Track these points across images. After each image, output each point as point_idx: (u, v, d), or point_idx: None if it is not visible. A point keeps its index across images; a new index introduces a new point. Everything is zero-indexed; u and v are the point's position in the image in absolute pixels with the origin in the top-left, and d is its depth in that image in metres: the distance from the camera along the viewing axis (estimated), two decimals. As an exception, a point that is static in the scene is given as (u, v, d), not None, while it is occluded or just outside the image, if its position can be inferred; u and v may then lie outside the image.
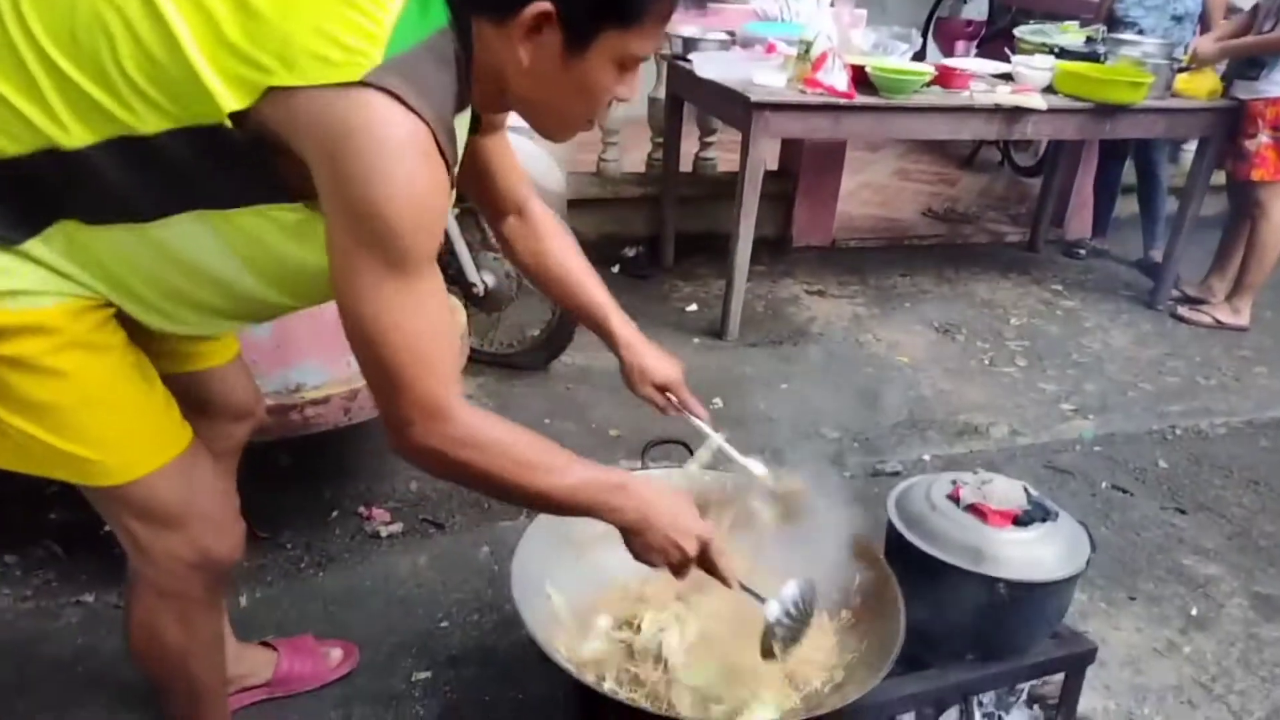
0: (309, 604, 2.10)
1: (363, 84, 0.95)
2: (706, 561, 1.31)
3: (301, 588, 2.17)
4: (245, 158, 1.02)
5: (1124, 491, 2.81)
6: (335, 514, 2.43)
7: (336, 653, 1.91)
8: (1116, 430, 3.23)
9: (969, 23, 6.84)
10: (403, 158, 0.97)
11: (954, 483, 1.73)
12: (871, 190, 5.76)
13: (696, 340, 3.63)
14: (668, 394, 1.62)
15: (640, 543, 1.26)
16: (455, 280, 2.97)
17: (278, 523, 2.34)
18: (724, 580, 1.34)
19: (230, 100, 0.98)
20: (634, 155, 4.67)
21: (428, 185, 1.00)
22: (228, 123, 0.99)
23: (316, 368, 2.12)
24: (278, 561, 2.24)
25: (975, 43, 6.54)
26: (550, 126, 1.20)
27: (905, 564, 1.63)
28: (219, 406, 1.54)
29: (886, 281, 4.37)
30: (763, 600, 1.37)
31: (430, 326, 1.07)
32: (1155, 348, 3.89)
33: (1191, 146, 5.40)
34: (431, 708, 1.85)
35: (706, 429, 1.65)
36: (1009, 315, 4.09)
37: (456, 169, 1.09)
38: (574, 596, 1.63)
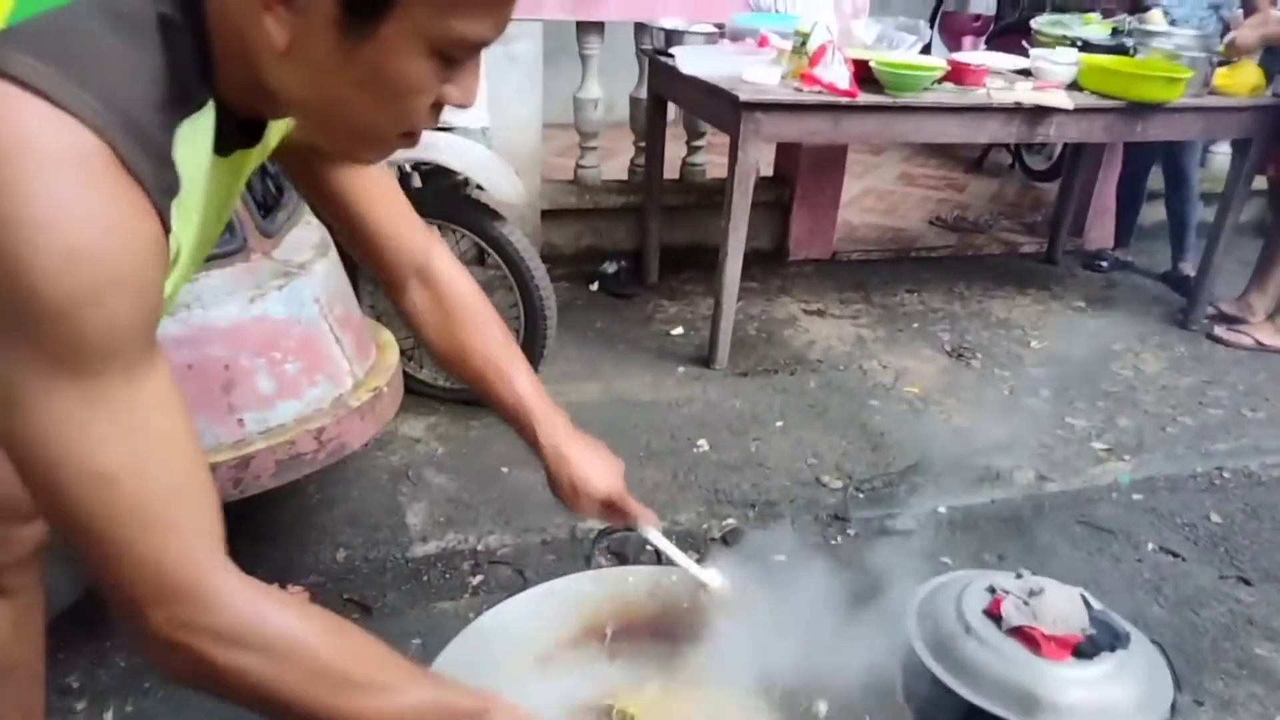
0: (192, 715, 1.71)
1: None
2: None
3: (187, 694, 1.77)
4: None
5: (1174, 555, 2.41)
6: (243, 592, 2.03)
7: None
8: (1156, 473, 2.84)
9: (976, 17, 6.45)
10: (48, 185, 0.59)
11: (992, 590, 1.34)
12: (874, 197, 5.37)
13: (681, 369, 3.24)
14: (612, 507, 1.29)
15: None
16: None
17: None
18: None
19: None
20: (615, 161, 4.28)
21: (103, 228, 0.61)
22: None
23: (200, 428, 1.72)
24: (161, 660, 1.84)
25: (983, 38, 6.15)
26: (344, 142, 0.81)
27: (931, 705, 1.24)
28: None
29: (892, 299, 3.98)
30: None
31: (154, 458, 0.68)
32: (1192, 374, 3.49)
33: (1222, 148, 5.04)
34: None
35: (660, 541, 1.32)
36: (1029, 337, 3.70)
37: (192, 204, 0.73)
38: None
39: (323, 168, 1.02)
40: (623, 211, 4.03)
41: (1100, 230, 4.74)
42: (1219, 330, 3.79)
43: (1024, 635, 1.25)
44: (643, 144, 3.95)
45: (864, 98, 2.95)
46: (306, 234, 2.03)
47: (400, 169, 2.68)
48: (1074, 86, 3.36)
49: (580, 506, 1.26)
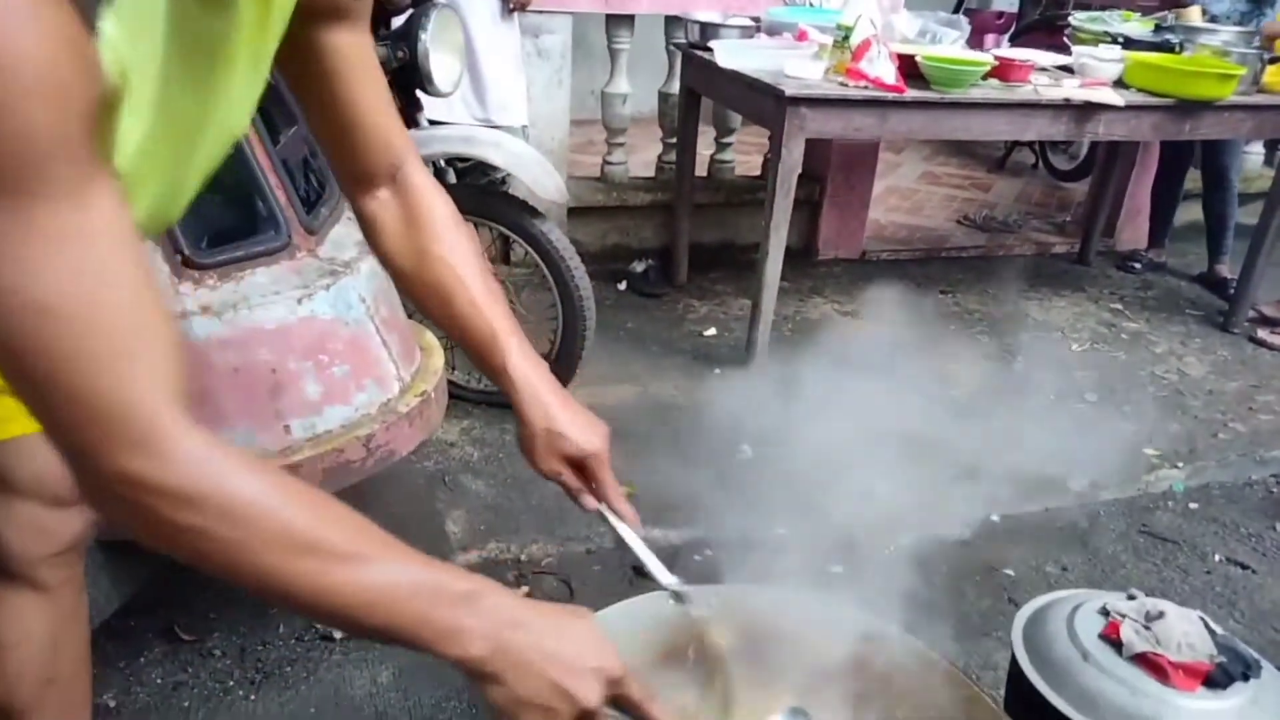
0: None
1: None
2: (620, 700, 0.81)
3: (224, 715, 1.68)
4: None
5: (1244, 567, 2.33)
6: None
7: None
8: (1211, 480, 2.76)
9: (999, 14, 6.35)
10: None
11: (1107, 613, 1.26)
12: (898, 196, 5.28)
13: (717, 370, 3.15)
14: (584, 471, 1.07)
15: (505, 694, 0.76)
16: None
17: (207, 622, 1.86)
18: None
19: None
20: (642, 157, 4.19)
21: (39, 37, 0.53)
22: None
23: (244, 436, 1.64)
24: (200, 677, 1.76)
25: (1005, 36, 6.06)
26: None
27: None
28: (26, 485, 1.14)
29: (926, 300, 3.89)
30: None
31: (100, 291, 0.59)
32: (1239, 378, 3.40)
33: (1255, 148, 4.96)
34: None
35: (621, 527, 1.09)
36: (1069, 339, 3.61)
37: (142, 18, 0.64)
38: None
39: (319, 32, 0.89)
40: (650, 209, 3.94)
41: (1132, 231, 4.65)
42: (1262, 333, 3.70)
43: (1148, 663, 1.17)
44: (672, 140, 3.86)
45: (911, 93, 2.86)
46: (349, 231, 1.93)
47: (435, 164, 2.59)
48: (1118, 84, 3.28)
49: (548, 462, 1.05)
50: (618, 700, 0.82)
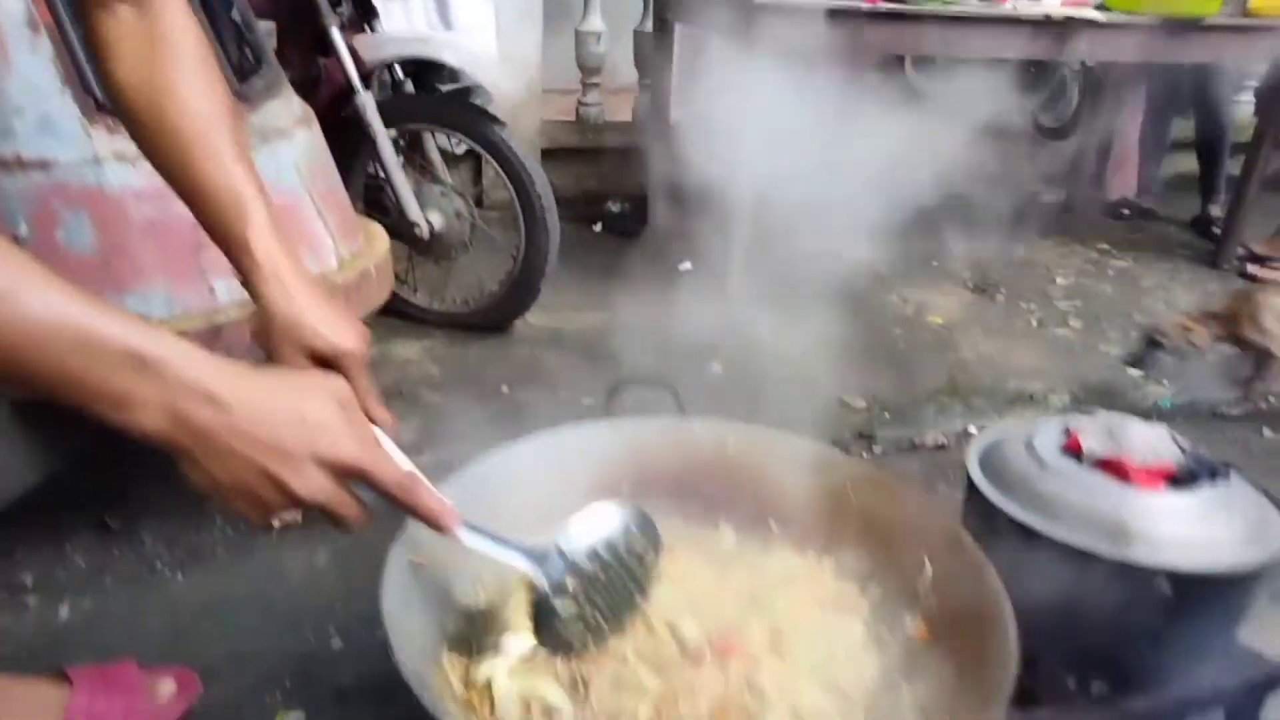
0: (153, 617, 1.53)
1: None
2: (370, 487, 0.71)
3: (149, 595, 1.59)
4: None
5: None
6: (219, 500, 1.86)
7: (167, 686, 1.33)
8: (1199, 397, 2.66)
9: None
10: None
11: (1067, 430, 1.17)
12: (885, 153, 5.20)
13: (691, 298, 3.06)
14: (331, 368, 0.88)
15: (199, 476, 0.68)
16: (393, 219, 2.41)
17: (140, 514, 1.77)
18: (426, 520, 0.77)
19: None
20: (618, 99, 4.11)
21: None
22: None
23: (163, 295, 1.55)
24: (125, 561, 1.67)
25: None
26: None
27: (1001, 548, 1.06)
28: None
29: (909, 240, 3.80)
30: (538, 555, 0.86)
31: None
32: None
33: (1246, 98, 4.88)
34: (297, 767, 1.27)
35: (388, 444, 0.86)
36: (1053, 274, 3.53)
37: None
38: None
39: None
40: (626, 153, 3.86)
41: (1121, 179, 4.57)
42: (1252, 268, 3.62)
43: (1110, 467, 1.08)
44: (647, 81, 3.79)
45: (886, 5, 2.79)
46: (287, 107, 1.85)
47: (391, 74, 2.51)
48: (1100, 8, 3.20)
49: (288, 354, 0.87)
50: (368, 485, 0.73)
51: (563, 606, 0.87)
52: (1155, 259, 3.79)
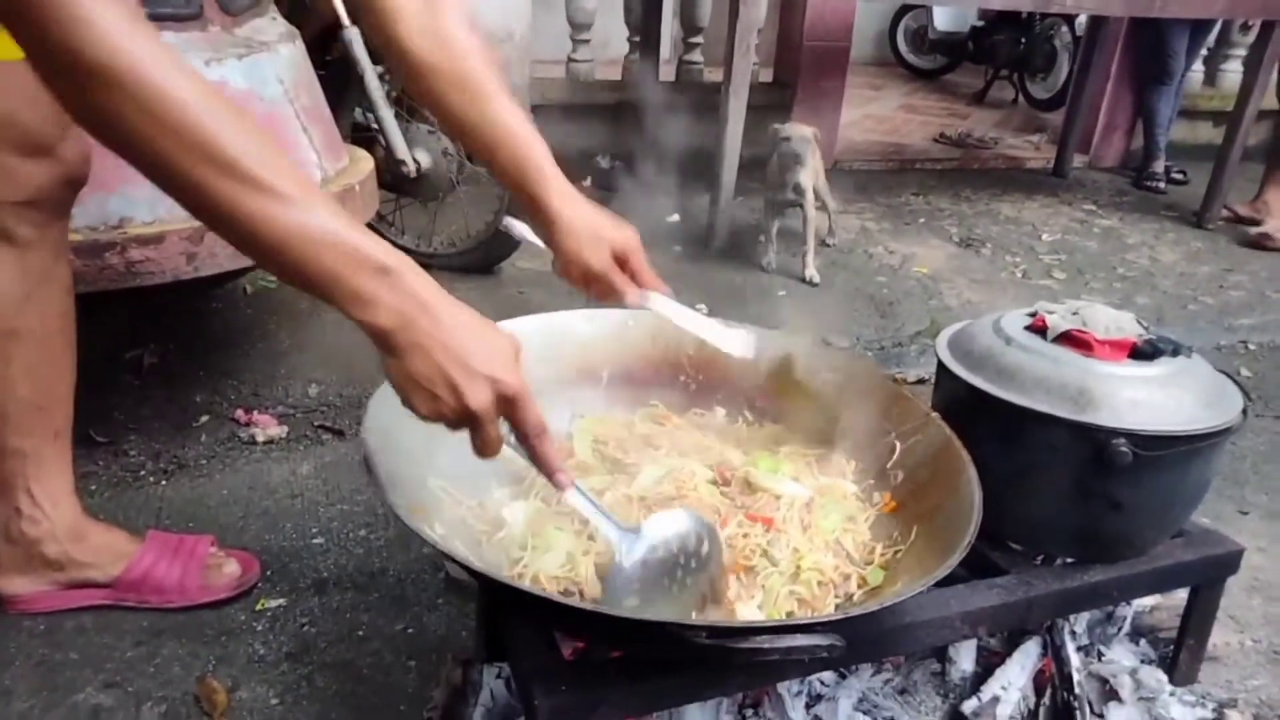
0: (136, 519, 1.54)
1: None
2: (512, 423, 0.82)
3: (132, 497, 1.61)
4: None
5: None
6: (205, 419, 1.88)
7: (231, 566, 1.36)
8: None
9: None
10: None
11: (1034, 313, 1.19)
12: (875, 120, 5.23)
13: (678, 249, 3.09)
14: (625, 266, 1.09)
15: (399, 369, 0.78)
16: (381, 157, 2.41)
17: (126, 430, 1.79)
18: (545, 469, 0.85)
19: None
20: (608, 56, 4.12)
21: None
22: None
23: (148, 196, 1.56)
24: (109, 469, 1.68)
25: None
26: None
27: (967, 421, 1.08)
28: None
29: (897, 200, 3.83)
30: (624, 531, 0.90)
31: None
32: (1211, 264, 3.34)
33: (1231, 67, 4.90)
34: (275, 645, 1.29)
35: (676, 311, 1.13)
36: (1039, 231, 3.55)
37: None
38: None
39: None
40: (615, 109, 3.87)
41: (1108, 147, 4.60)
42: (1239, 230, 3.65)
43: (1074, 340, 1.10)
44: (637, 38, 3.79)
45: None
46: (272, 24, 1.86)
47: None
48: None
49: (597, 257, 1.05)
50: (511, 420, 0.82)
51: (625, 581, 0.90)
52: (1141, 219, 3.81)
